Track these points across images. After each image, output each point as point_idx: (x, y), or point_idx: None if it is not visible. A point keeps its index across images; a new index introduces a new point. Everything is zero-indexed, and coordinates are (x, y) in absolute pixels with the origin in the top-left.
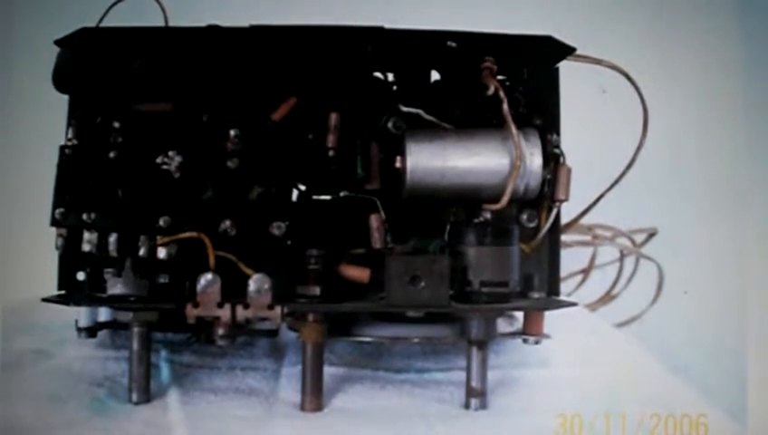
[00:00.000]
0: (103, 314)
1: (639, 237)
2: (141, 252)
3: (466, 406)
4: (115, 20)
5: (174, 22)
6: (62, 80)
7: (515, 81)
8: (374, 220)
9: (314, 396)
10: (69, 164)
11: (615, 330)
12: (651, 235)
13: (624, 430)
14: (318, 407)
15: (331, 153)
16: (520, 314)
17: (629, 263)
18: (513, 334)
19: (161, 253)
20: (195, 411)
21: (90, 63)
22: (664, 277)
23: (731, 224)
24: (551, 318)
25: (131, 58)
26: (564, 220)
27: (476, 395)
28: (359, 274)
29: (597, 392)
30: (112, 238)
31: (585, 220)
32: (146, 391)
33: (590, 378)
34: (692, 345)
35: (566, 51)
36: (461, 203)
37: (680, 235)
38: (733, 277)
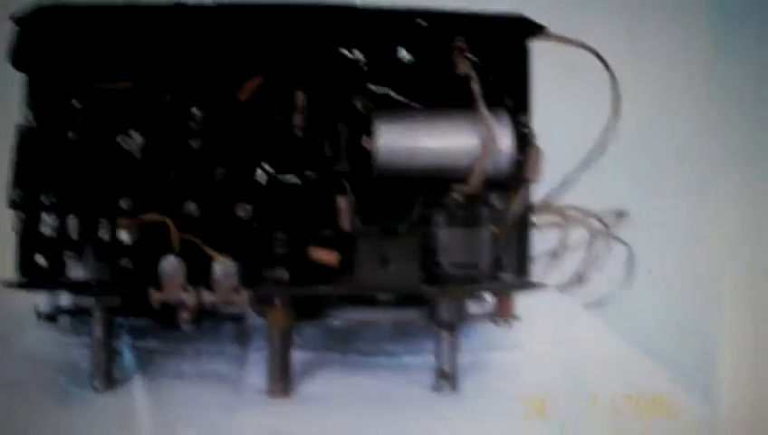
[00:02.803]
0: (65, 298)
1: (610, 219)
2: (102, 235)
3: (437, 389)
4: None
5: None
6: (18, 58)
7: (486, 60)
8: (342, 202)
9: (282, 382)
10: (26, 144)
11: (586, 311)
12: (620, 216)
13: (595, 412)
14: (286, 393)
15: (298, 133)
16: (491, 297)
17: (600, 245)
18: (484, 317)
19: (123, 236)
20: (160, 398)
21: (48, 41)
22: (634, 259)
23: (701, 204)
24: (521, 300)
25: (91, 35)
26: (535, 201)
27: (446, 378)
28: (327, 256)
29: (568, 374)
30: (72, 221)
31: (555, 202)
32: (109, 378)
33: (561, 360)
34: (662, 327)
35: (537, 29)
36: (431, 184)
37: (650, 216)
38: (702, 258)
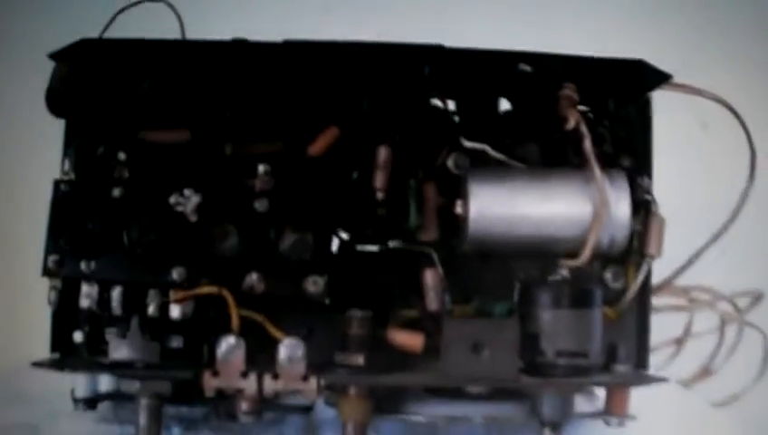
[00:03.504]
0: (105, 382)
1: (743, 302)
2: (150, 309)
3: None
4: (122, 30)
5: (192, 33)
6: (57, 101)
7: (600, 113)
8: (429, 277)
9: None
10: (65, 202)
11: (713, 411)
12: (757, 299)
13: None
14: None
15: (378, 195)
16: (601, 391)
17: (731, 332)
18: (594, 415)
19: (174, 311)
20: None
21: (91, 82)
22: None
23: None
24: (637, 396)
25: (141, 76)
26: (656, 280)
27: None
28: (410, 340)
29: None
30: (116, 293)
31: (680, 281)
32: None
33: None
34: None
35: (660, 78)
36: (533, 258)
37: None
38: None
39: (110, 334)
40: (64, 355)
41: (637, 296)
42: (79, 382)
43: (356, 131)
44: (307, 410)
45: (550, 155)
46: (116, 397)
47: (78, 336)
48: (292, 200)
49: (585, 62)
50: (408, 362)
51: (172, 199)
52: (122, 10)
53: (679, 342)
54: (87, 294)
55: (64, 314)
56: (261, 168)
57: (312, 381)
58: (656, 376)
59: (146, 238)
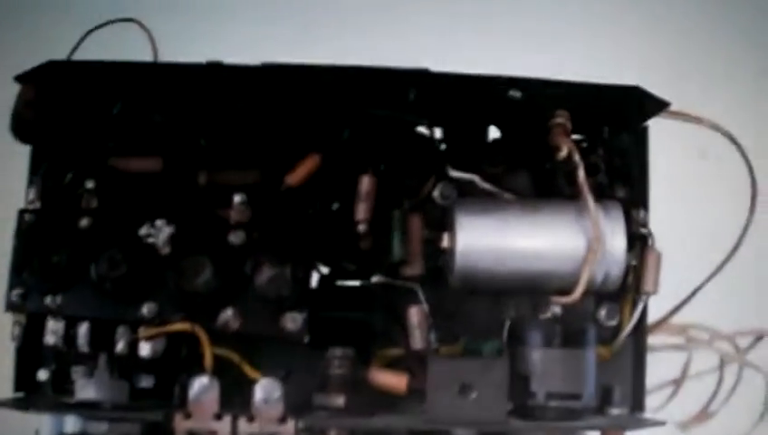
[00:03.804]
0: (71, 423)
1: (744, 341)
2: (119, 347)
3: None
4: (92, 52)
5: (165, 55)
6: (23, 125)
7: (594, 141)
8: (414, 314)
9: None
10: (30, 233)
11: None
12: (758, 338)
13: None
14: None
15: (361, 227)
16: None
17: (731, 372)
18: None
19: (144, 349)
20: None
21: (58, 105)
22: None
23: None
24: None
25: (111, 99)
26: (652, 318)
27: None
28: (394, 381)
29: None
30: (83, 329)
31: (677, 319)
32: None
33: None
34: None
35: (658, 105)
36: (524, 294)
37: None
38: None
39: (77, 373)
40: (28, 394)
41: (632, 335)
42: (44, 423)
43: (337, 160)
44: None
45: (541, 185)
46: None
47: (43, 374)
48: (269, 232)
49: (578, 88)
50: (392, 403)
51: (143, 231)
52: (92, 30)
53: (677, 382)
54: (53, 331)
55: (29, 351)
56: (236, 198)
57: (290, 424)
58: (652, 419)
59: (115, 272)
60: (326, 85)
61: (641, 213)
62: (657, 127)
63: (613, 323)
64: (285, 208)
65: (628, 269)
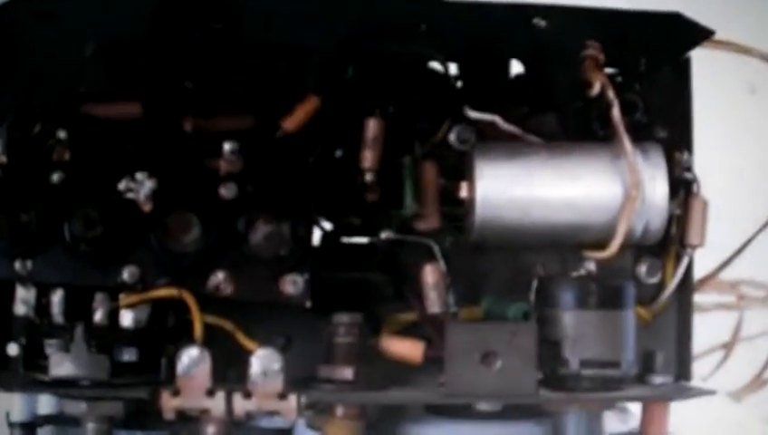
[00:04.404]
0: (45, 403)
1: None
2: (97, 317)
3: None
4: None
5: None
6: None
7: (630, 76)
8: (429, 273)
9: None
10: None
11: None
12: None
13: None
14: None
15: (368, 177)
16: (636, 407)
17: None
18: None
19: (126, 318)
20: None
21: (21, 45)
22: None
23: None
24: (678, 411)
25: (83, 38)
26: (698, 274)
27: None
28: (408, 349)
29: None
30: (57, 297)
31: (727, 275)
32: None
33: None
34: None
35: (701, 34)
36: (553, 250)
37: None
38: None
39: (51, 347)
40: None
41: (676, 294)
42: (15, 404)
43: (340, 101)
44: (285, 433)
45: (571, 126)
46: (58, 420)
47: (13, 349)
48: (264, 185)
49: (611, 15)
50: (406, 375)
51: (122, 185)
52: None
53: (727, 346)
54: (23, 300)
55: None
56: (227, 146)
57: (292, 400)
58: (700, 388)
59: (91, 232)
60: (326, 17)
61: (684, 156)
62: (700, 59)
63: (655, 280)
64: (282, 157)
65: (670, 219)
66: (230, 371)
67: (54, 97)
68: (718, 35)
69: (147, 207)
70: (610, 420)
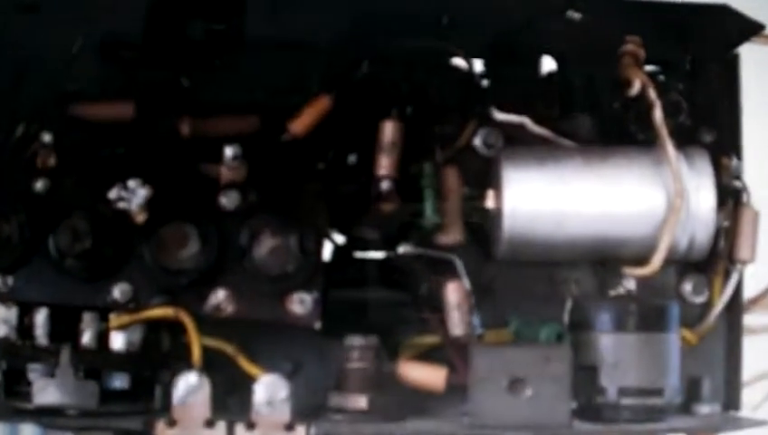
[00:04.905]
0: (28, 433)
1: None
2: (86, 339)
3: None
4: None
5: None
6: None
7: (673, 74)
8: (452, 292)
9: None
10: None
11: None
12: None
13: None
14: None
15: (384, 186)
16: None
17: None
18: None
19: (117, 341)
20: None
21: (1, 40)
22: None
23: None
24: None
25: (71, 34)
26: (749, 293)
27: None
28: (428, 375)
29: None
30: (41, 317)
31: None
32: None
33: None
34: None
35: (750, 29)
36: (588, 266)
37: None
38: None
39: (34, 372)
40: None
41: (724, 314)
42: None
43: (353, 102)
44: None
45: (607, 129)
46: None
47: None
48: (269, 194)
49: (653, 8)
50: (425, 404)
51: (113, 194)
52: None
53: None
54: (3, 319)
55: None
56: (228, 151)
57: (300, 431)
58: (750, 418)
59: (79, 245)
60: (340, 7)
61: (733, 162)
62: (750, 56)
63: (701, 299)
64: (289, 163)
65: (717, 232)
66: (231, 399)
67: (39, 96)
68: None
69: (140, 218)
70: None
